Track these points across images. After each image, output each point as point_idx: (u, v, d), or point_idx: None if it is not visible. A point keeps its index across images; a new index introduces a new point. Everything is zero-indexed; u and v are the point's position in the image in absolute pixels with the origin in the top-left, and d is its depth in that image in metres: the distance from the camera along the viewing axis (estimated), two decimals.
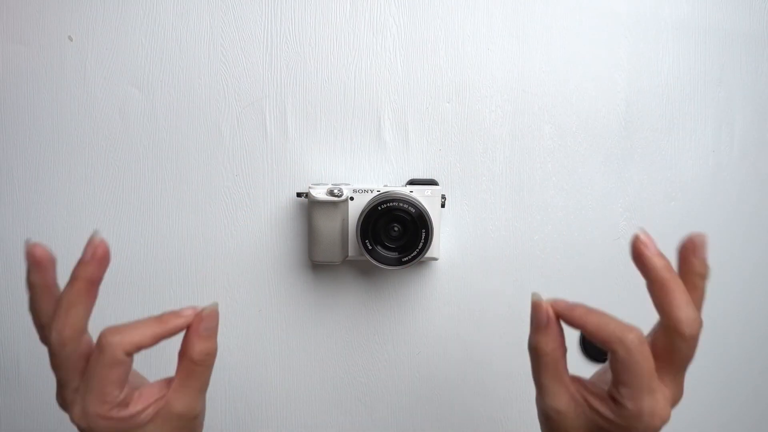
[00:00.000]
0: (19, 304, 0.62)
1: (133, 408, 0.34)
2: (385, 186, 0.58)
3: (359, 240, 0.54)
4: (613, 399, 0.35)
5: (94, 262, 0.32)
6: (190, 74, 0.60)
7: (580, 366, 0.64)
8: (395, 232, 0.55)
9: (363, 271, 0.62)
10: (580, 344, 0.64)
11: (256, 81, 0.60)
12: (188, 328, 0.36)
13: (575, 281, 0.63)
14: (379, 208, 0.54)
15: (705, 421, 0.66)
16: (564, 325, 0.39)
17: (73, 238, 0.61)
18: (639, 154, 0.63)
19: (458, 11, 0.60)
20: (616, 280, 0.64)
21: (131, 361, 0.34)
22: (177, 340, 0.39)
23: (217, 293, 0.62)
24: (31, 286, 0.33)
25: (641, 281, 0.67)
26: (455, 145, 0.61)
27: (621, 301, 0.64)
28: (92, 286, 0.32)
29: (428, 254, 0.55)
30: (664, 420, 0.34)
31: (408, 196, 0.55)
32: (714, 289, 0.66)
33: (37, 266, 0.33)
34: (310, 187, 0.56)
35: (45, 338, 0.35)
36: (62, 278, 0.63)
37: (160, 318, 0.36)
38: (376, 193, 0.56)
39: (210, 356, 0.37)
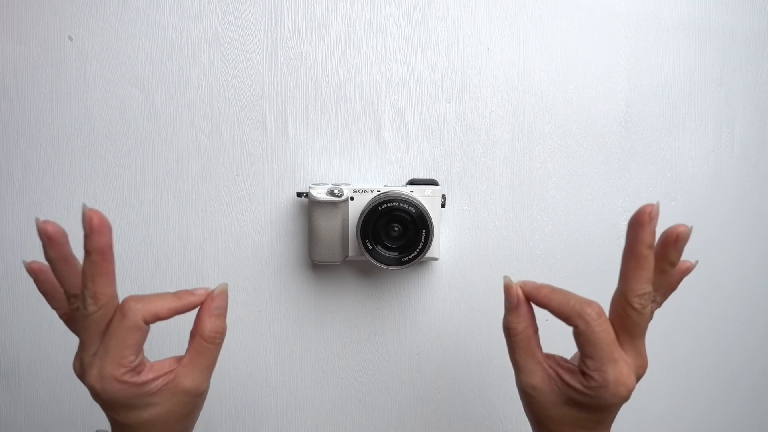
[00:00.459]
0: (20, 304, 0.62)
1: (144, 376, 0.36)
2: (386, 186, 0.58)
3: (359, 240, 0.54)
4: (582, 372, 0.37)
5: (94, 233, 0.33)
6: (190, 74, 0.60)
7: None
8: (395, 232, 0.55)
9: (363, 271, 0.63)
10: None
11: (256, 81, 0.60)
12: (200, 307, 0.39)
13: (575, 281, 0.63)
14: (380, 208, 0.54)
15: (705, 421, 0.66)
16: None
17: (73, 238, 0.61)
18: (639, 154, 0.63)
19: (458, 11, 0.60)
20: (616, 280, 0.63)
21: (148, 329, 0.36)
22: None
23: None
24: (49, 260, 0.35)
25: None
26: (455, 145, 0.62)
27: None
28: (104, 254, 0.34)
29: (428, 254, 0.55)
30: (629, 387, 0.36)
31: (408, 196, 0.55)
32: (714, 289, 0.66)
33: (51, 242, 0.35)
34: (310, 187, 0.56)
35: (64, 310, 0.38)
36: None
37: (176, 294, 0.38)
38: (376, 193, 0.56)
39: (220, 334, 0.39)
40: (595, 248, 0.63)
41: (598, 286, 0.64)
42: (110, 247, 0.34)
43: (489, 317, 0.63)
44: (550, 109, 0.62)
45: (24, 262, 0.38)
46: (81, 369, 0.36)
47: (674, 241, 0.37)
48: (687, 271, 0.40)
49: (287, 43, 0.60)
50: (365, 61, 0.60)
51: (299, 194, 0.59)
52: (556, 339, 0.66)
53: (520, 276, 0.63)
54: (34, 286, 0.60)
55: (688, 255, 0.65)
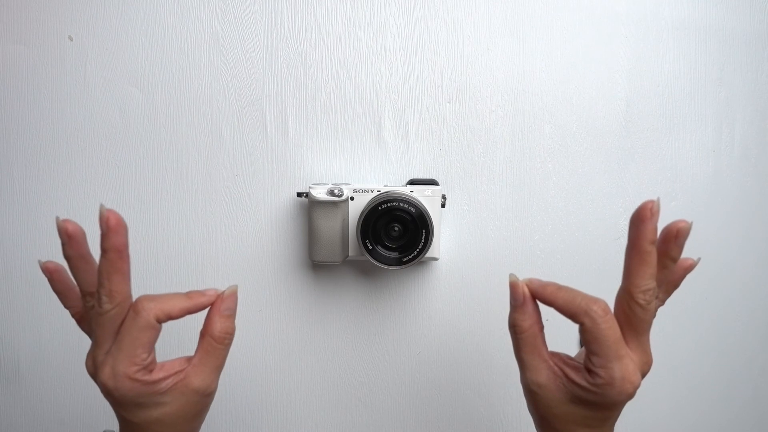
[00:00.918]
0: (20, 304, 0.62)
1: (156, 375, 0.37)
2: (386, 186, 0.58)
3: (359, 240, 0.54)
4: (588, 370, 0.37)
5: (111, 232, 0.35)
6: (190, 74, 0.60)
7: None
8: (395, 232, 0.55)
9: (363, 271, 0.62)
10: (581, 344, 0.64)
11: (256, 81, 0.60)
12: (210, 307, 0.40)
13: (575, 281, 0.63)
14: (380, 208, 0.54)
15: (705, 421, 0.66)
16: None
17: None
18: (639, 154, 0.63)
19: (458, 11, 0.60)
20: (616, 280, 0.63)
21: (160, 328, 0.37)
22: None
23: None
24: (68, 258, 0.37)
25: None
26: (455, 145, 0.62)
27: None
28: (120, 252, 0.35)
29: (428, 254, 0.55)
30: (635, 384, 0.36)
31: (408, 196, 0.55)
32: (714, 289, 0.66)
33: (71, 240, 0.37)
34: (310, 187, 0.56)
35: (77, 309, 0.40)
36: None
37: (187, 294, 0.39)
38: (376, 193, 0.56)
39: (229, 335, 0.41)
40: (595, 248, 0.63)
41: (598, 286, 0.63)
42: (126, 246, 0.36)
43: (489, 317, 0.63)
44: (550, 109, 0.62)
45: (39, 261, 0.39)
46: (94, 367, 0.37)
47: (675, 236, 0.37)
48: (689, 268, 0.41)
49: (287, 43, 0.60)
50: (365, 61, 0.60)
51: (299, 194, 0.59)
52: (557, 339, 0.66)
53: (521, 276, 0.63)
54: (34, 286, 0.61)
55: (688, 254, 0.65)
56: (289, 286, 0.62)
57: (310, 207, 0.57)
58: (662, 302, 0.41)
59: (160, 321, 0.37)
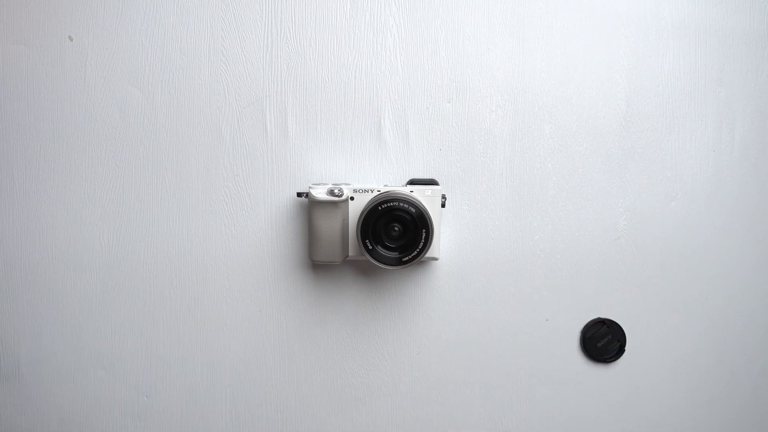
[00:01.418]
0: (20, 304, 0.62)
1: None
2: (386, 186, 0.58)
3: (359, 240, 0.54)
4: None
5: None
6: (190, 74, 0.60)
7: (580, 366, 0.64)
8: (395, 232, 0.55)
9: (363, 271, 0.62)
10: (581, 344, 0.64)
11: (256, 81, 0.60)
12: None
13: (575, 281, 0.63)
14: (380, 207, 0.54)
15: (705, 421, 0.66)
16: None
17: (74, 238, 0.61)
18: (639, 154, 0.63)
19: (458, 11, 0.60)
20: (616, 280, 0.64)
21: None
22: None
23: (218, 293, 0.62)
24: None
25: (641, 281, 0.67)
26: (455, 145, 0.62)
27: (621, 301, 0.64)
28: None
29: (428, 254, 0.55)
30: None
31: (408, 196, 0.55)
32: (714, 288, 0.66)
33: None
34: (310, 187, 0.56)
35: None
36: (65, 277, 0.63)
37: None
38: (376, 193, 0.56)
39: None
40: (595, 248, 0.63)
41: (598, 286, 0.64)
42: None
43: (489, 317, 0.63)
44: (550, 109, 0.62)
45: None
46: None
47: None
48: None
49: (287, 43, 0.60)
50: (365, 61, 0.60)
51: (299, 194, 0.59)
52: (557, 339, 0.66)
53: (520, 276, 0.63)
54: (34, 286, 0.61)
55: (688, 254, 0.65)
56: (289, 286, 0.62)
57: (310, 207, 0.57)
58: None
59: None
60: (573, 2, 0.61)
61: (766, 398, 0.66)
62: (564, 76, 0.61)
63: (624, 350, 0.63)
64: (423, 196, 0.56)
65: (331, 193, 0.55)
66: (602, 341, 0.63)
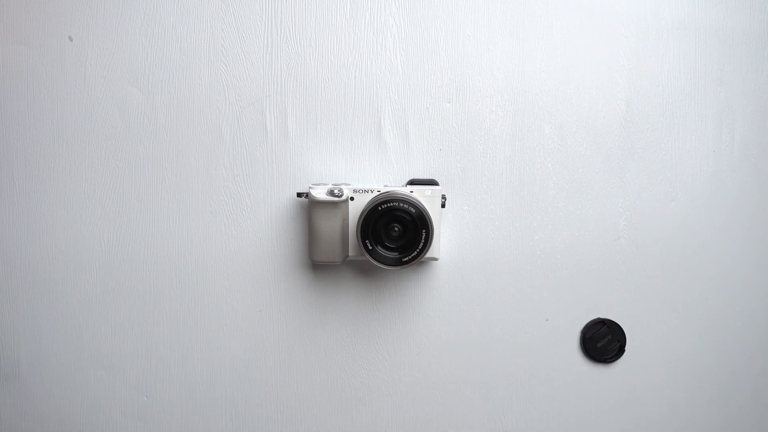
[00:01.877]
0: (20, 304, 0.62)
1: None
2: (386, 186, 0.58)
3: (359, 240, 0.54)
4: None
5: None
6: (190, 74, 0.60)
7: (580, 366, 0.64)
8: (395, 232, 0.55)
9: (363, 271, 0.63)
10: (581, 344, 0.64)
11: (256, 81, 0.60)
12: None
13: (575, 281, 0.63)
14: (380, 208, 0.54)
15: (705, 421, 0.66)
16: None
17: (74, 238, 0.61)
18: (639, 154, 0.63)
19: (458, 11, 0.60)
20: (616, 280, 0.64)
21: None
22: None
23: (218, 293, 0.62)
24: None
25: (640, 281, 0.67)
26: (455, 145, 0.62)
27: (621, 301, 0.64)
28: None
29: (428, 254, 0.55)
30: None
31: (408, 196, 0.55)
32: (714, 288, 0.66)
33: None
34: (310, 187, 0.56)
35: None
36: (65, 277, 0.63)
37: None
38: (376, 193, 0.56)
39: None
40: (595, 248, 0.63)
41: (598, 286, 0.64)
42: None
43: (489, 317, 0.63)
44: (550, 109, 0.62)
45: None
46: None
47: None
48: None
49: (287, 43, 0.60)
50: (365, 61, 0.60)
51: (299, 194, 0.59)
52: (557, 339, 0.66)
53: (520, 276, 0.63)
54: (34, 286, 0.61)
55: (688, 254, 0.65)
56: (289, 286, 0.62)
57: (310, 207, 0.57)
58: None
59: None
60: (573, 2, 0.61)
61: (766, 398, 0.66)
62: (564, 76, 0.61)
63: (624, 350, 0.63)
64: (423, 197, 0.56)
65: (331, 193, 0.55)
66: (602, 341, 0.63)
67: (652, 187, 0.63)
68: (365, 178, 0.62)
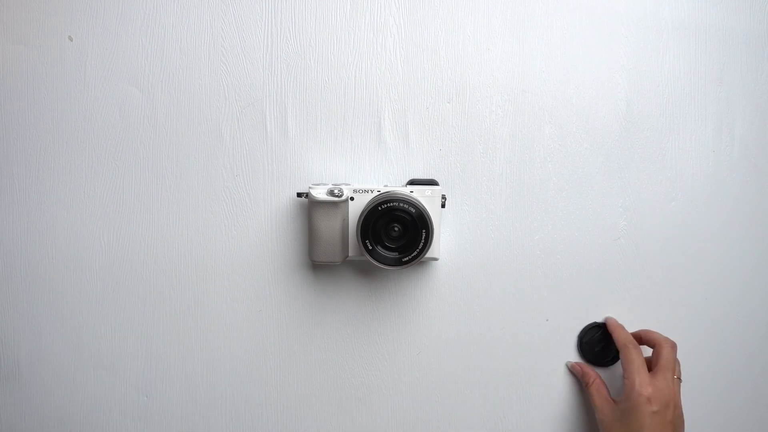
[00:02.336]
0: (20, 304, 0.62)
1: None
2: (386, 186, 0.58)
3: (359, 240, 0.54)
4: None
5: None
6: (190, 74, 0.60)
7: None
8: (395, 232, 0.55)
9: (363, 271, 0.62)
10: (578, 349, 0.64)
11: (256, 81, 0.60)
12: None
13: (575, 281, 0.63)
14: (380, 208, 0.54)
15: (705, 421, 0.66)
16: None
17: (74, 238, 0.61)
18: (639, 154, 0.63)
19: (458, 11, 0.60)
20: (616, 280, 0.64)
21: None
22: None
23: (218, 293, 0.62)
24: None
25: (640, 281, 0.67)
26: (455, 145, 0.62)
27: (621, 300, 0.64)
28: None
29: (428, 254, 0.55)
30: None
31: (408, 196, 0.55)
32: (714, 288, 0.66)
33: None
34: (310, 187, 0.56)
35: None
36: (65, 277, 0.63)
37: None
38: (376, 193, 0.56)
39: None
40: (595, 248, 0.63)
41: (598, 285, 0.64)
42: None
43: (489, 317, 0.63)
44: (550, 109, 0.62)
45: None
46: None
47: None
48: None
49: (287, 43, 0.60)
50: (365, 61, 0.60)
51: (299, 194, 0.59)
52: (557, 339, 0.66)
53: (520, 276, 0.63)
54: (35, 286, 0.61)
55: (688, 254, 0.65)
56: (289, 286, 0.62)
57: (310, 207, 0.57)
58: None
59: None
60: (573, 2, 0.61)
61: (766, 398, 0.66)
62: (564, 76, 0.61)
63: None
64: (423, 197, 0.56)
65: (331, 193, 0.55)
66: (599, 346, 0.63)
67: (652, 187, 0.63)
68: (365, 178, 0.62)
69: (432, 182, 0.59)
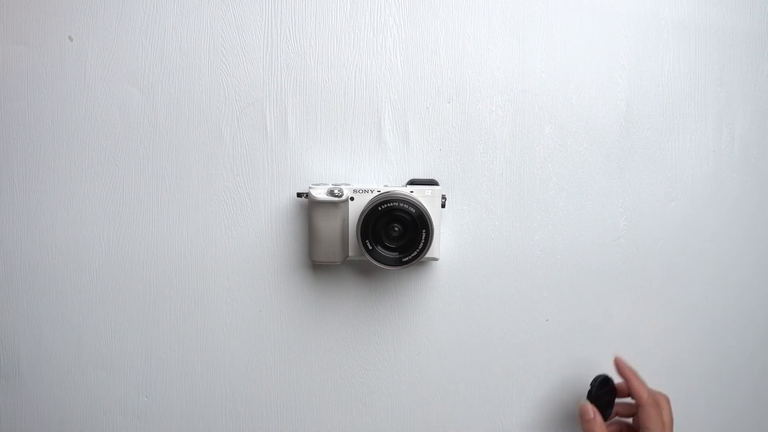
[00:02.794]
0: (20, 305, 0.62)
1: None
2: (386, 186, 0.58)
3: (359, 240, 0.54)
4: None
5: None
6: (190, 74, 0.60)
7: (579, 366, 0.64)
8: (395, 233, 0.55)
9: (363, 271, 0.63)
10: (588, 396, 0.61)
11: (256, 81, 0.60)
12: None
13: (575, 281, 0.63)
14: (380, 208, 0.54)
15: (705, 421, 0.66)
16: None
17: (74, 238, 0.61)
18: (639, 154, 0.63)
19: (458, 11, 0.60)
20: (616, 280, 0.64)
21: None
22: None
23: (217, 293, 0.62)
24: None
25: (640, 281, 0.67)
26: (455, 145, 0.62)
27: (621, 301, 0.64)
28: None
29: (428, 254, 0.55)
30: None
31: (408, 196, 0.55)
32: (714, 288, 0.66)
33: None
34: (310, 187, 0.56)
35: None
36: (65, 277, 0.63)
37: None
38: (376, 194, 0.56)
39: None
40: (595, 248, 0.63)
41: (598, 285, 0.64)
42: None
43: (489, 317, 0.63)
44: (550, 109, 0.62)
45: None
46: None
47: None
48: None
49: (287, 43, 0.60)
50: (365, 61, 0.60)
51: (299, 194, 0.59)
52: (557, 339, 0.66)
53: (520, 276, 0.63)
54: (34, 286, 0.61)
55: (688, 254, 0.65)
56: (289, 286, 0.62)
57: (310, 207, 0.57)
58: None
59: None
60: (573, 2, 0.61)
61: (766, 398, 0.66)
62: (564, 76, 0.61)
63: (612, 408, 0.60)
64: (423, 197, 0.56)
65: (331, 193, 0.55)
66: (604, 399, 0.59)
67: (652, 187, 0.63)
68: (365, 178, 0.62)
69: (432, 182, 0.59)
